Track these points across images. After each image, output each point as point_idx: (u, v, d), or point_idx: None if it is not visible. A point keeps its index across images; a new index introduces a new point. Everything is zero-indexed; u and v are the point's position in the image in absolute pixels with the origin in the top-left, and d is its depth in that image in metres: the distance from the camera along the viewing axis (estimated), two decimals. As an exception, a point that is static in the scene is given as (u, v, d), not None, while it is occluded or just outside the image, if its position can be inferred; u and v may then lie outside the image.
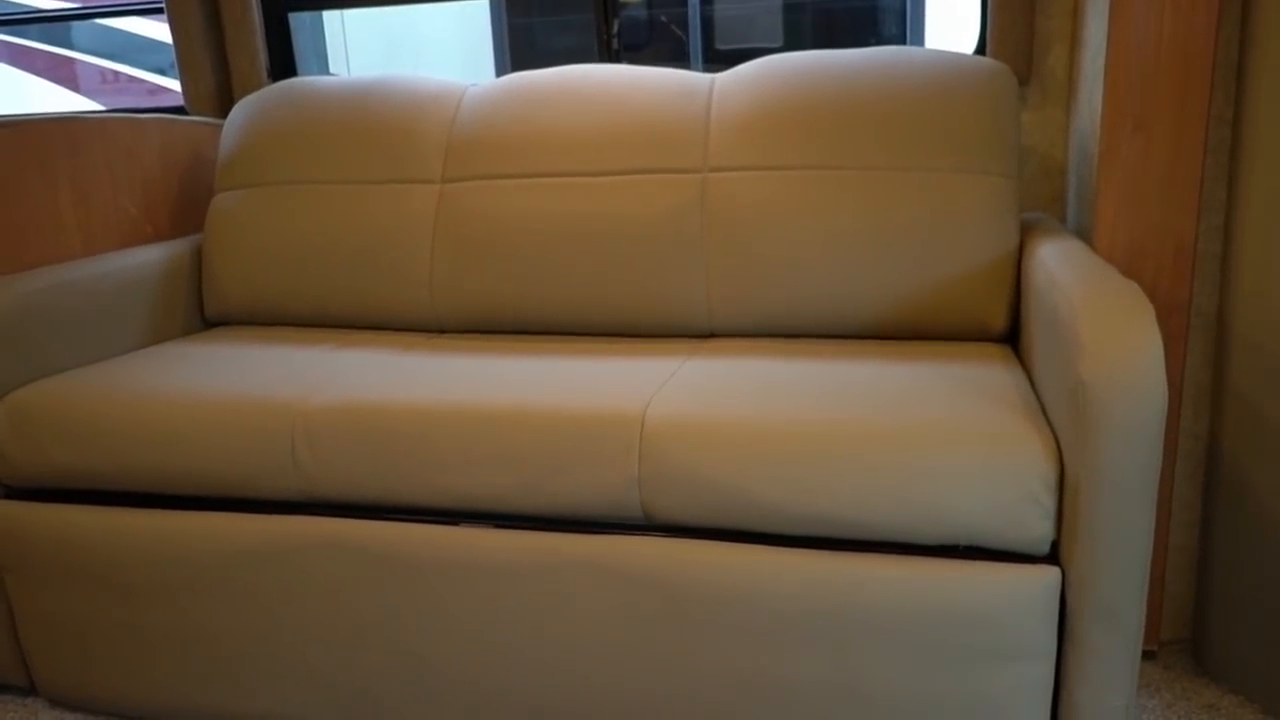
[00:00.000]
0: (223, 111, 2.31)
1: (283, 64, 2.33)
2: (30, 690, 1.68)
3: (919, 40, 4.17)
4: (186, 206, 2.11)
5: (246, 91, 2.28)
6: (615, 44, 2.14)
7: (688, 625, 1.29)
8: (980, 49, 1.96)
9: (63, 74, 5.95)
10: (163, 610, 1.50)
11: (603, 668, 1.35)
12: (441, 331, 1.85)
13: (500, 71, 4.07)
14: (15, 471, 1.53)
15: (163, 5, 2.24)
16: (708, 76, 1.85)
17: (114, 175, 1.93)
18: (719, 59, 5.00)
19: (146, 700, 1.56)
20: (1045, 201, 1.91)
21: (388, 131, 1.90)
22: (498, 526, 1.37)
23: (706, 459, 1.25)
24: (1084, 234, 1.66)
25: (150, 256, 1.89)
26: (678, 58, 5.05)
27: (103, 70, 5.97)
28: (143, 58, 5.82)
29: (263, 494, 1.45)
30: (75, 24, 5.77)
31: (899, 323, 1.64)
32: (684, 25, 5.23)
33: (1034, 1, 1.82)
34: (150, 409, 1.47)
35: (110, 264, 1.79)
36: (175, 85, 5.73)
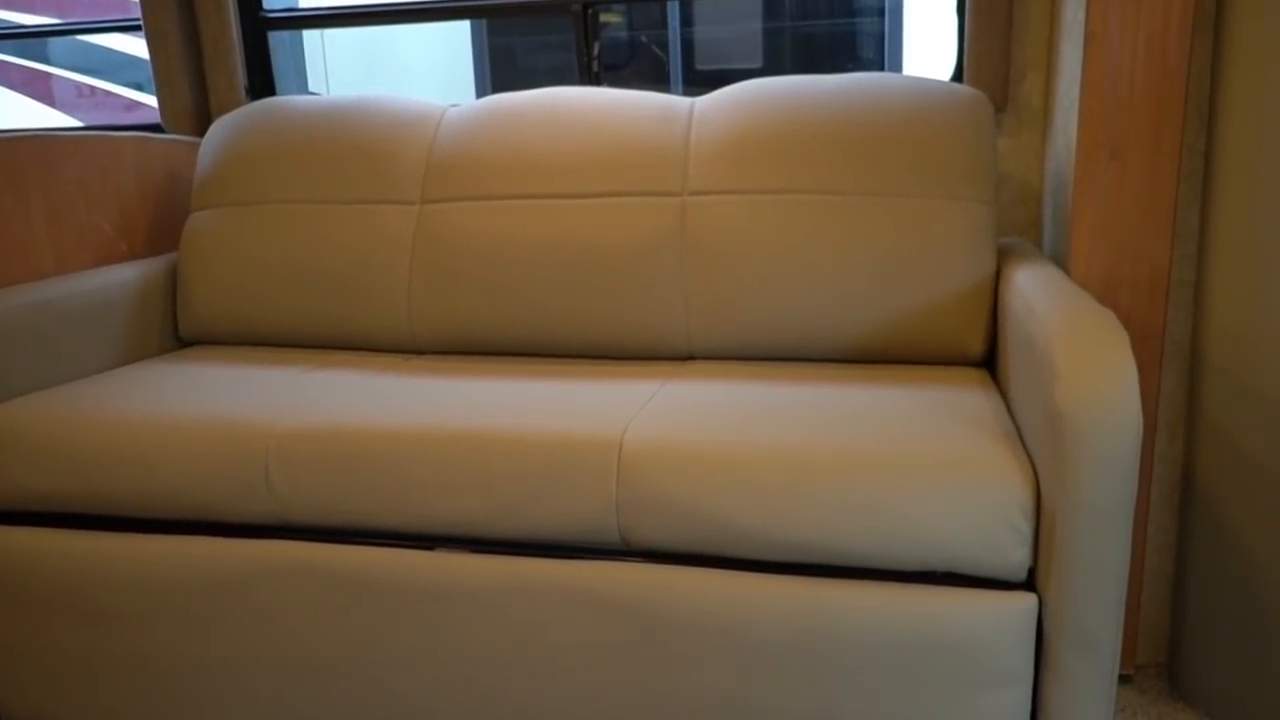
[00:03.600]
0: (200, 130, 2.29)
1: (262, 82, 2.32)
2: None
3: (896, 66, 4.22)
4: (162, 225, 2.09)
5: (224, 110, 2.27)
6: (595, 65, 2.15)
7: (666, 652, 1.28)
8: (957, 76, 1.98)
9: (38, 89, 5.90)
10: (131, 635, 1.48)
11: (580, 696, 1.33)
12: (418, 353, 1.84)
13: (481, 92, 4.08)
14: (-18, 494, 1.51)
15: (140, 23, 2.23)
16: (687, 100, 1.85)
17: (88, 193, 1.91)
18: (699, 80, 5.02)
19: (114, 728, 1.53)
20: (1022, 227, 1.93)
21: (366, 152, 1.89)
22: (474, 551, 1.35)
23: (685, 484, 1.25)
24: (1060, 259, 1.67)
25: (124, 275, 1.87)
26: (658, 78, 5.08)
27: (79, 85, 5.93)
28: (120, 73, 5.79)
29: (235, 518, 1.43)
30: (52, 39, 5.73)
31: (877, 347, 1.64)
32: (664, 46, 5.26)
33: (1009, 30, 1.84)
34: (121, 431, 1.45)
35: (83, 283, 1.77)
36: (152, 101, 5.71)
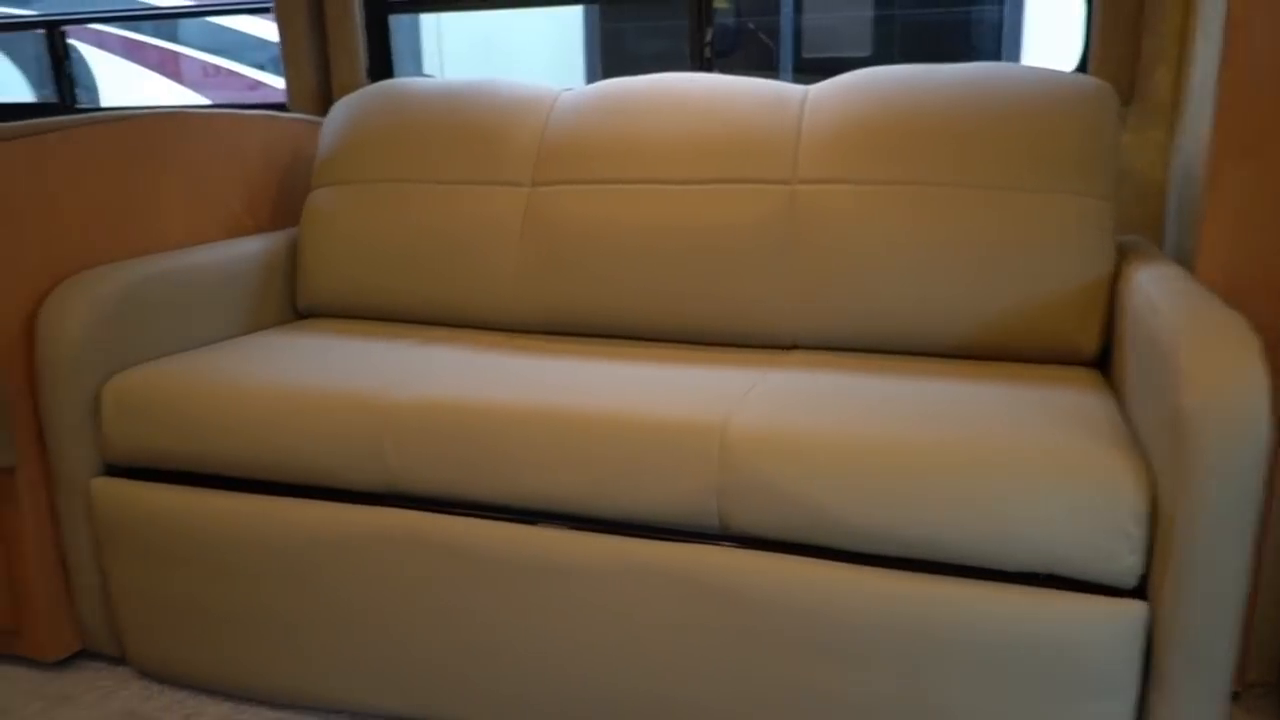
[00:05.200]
0: (322, 109, 2.37)
1: (381, 64, 2.38)
2: (121, 660, 1.75)
3: (1015, 56, 4.10)
4: (285, 200, 2.18)
5: (345, 90, 2.35)
6: (708, 52, 2.15)
7: (759, 638, 1.29)
8: (1081, 67, 1.91)
9: (169, 67, 6.18)
10: (247, 591, 1.55)
11: (670, 676, 1.35)
12: (523, 332, 1.88)
13: (591, 75, 4.11)
14: (117, 450, 1.60)
15: (271, 5, 2.32)
16: (800, 88, 1.84)
17: (218, 168, 2.00)
18: (806, 67, 4.97)
19: (227, 676, 1.61)
20: (1142, 225, 1.86)
21: (480, 134, 1.94)
22: (574, 528, 1.38)
23: (787, 471, 1.25)
24: (1184, 260, 1.61)
25: (249, 248, 1.96)
26: (764, 65, 5.04)
27: (205, 64, 6.19)
28: (245, 54, 6.02)
29: (348, 484, 1.49)
30: (183, 20, 6.00)
31: (985, 343, 1.61)
32: (771, 33, 5.22)
33: (1140, 20, 1.77)
34: (245, 398, 1.52)
35: (212, 254, 1.86)
36: (273, 80, 5.93)
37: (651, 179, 1.77)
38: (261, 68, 6.03)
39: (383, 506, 1.47)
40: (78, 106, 2.75)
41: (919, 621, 1.21)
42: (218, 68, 6.18)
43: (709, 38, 2.16)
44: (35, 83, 5.69)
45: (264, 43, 5.88)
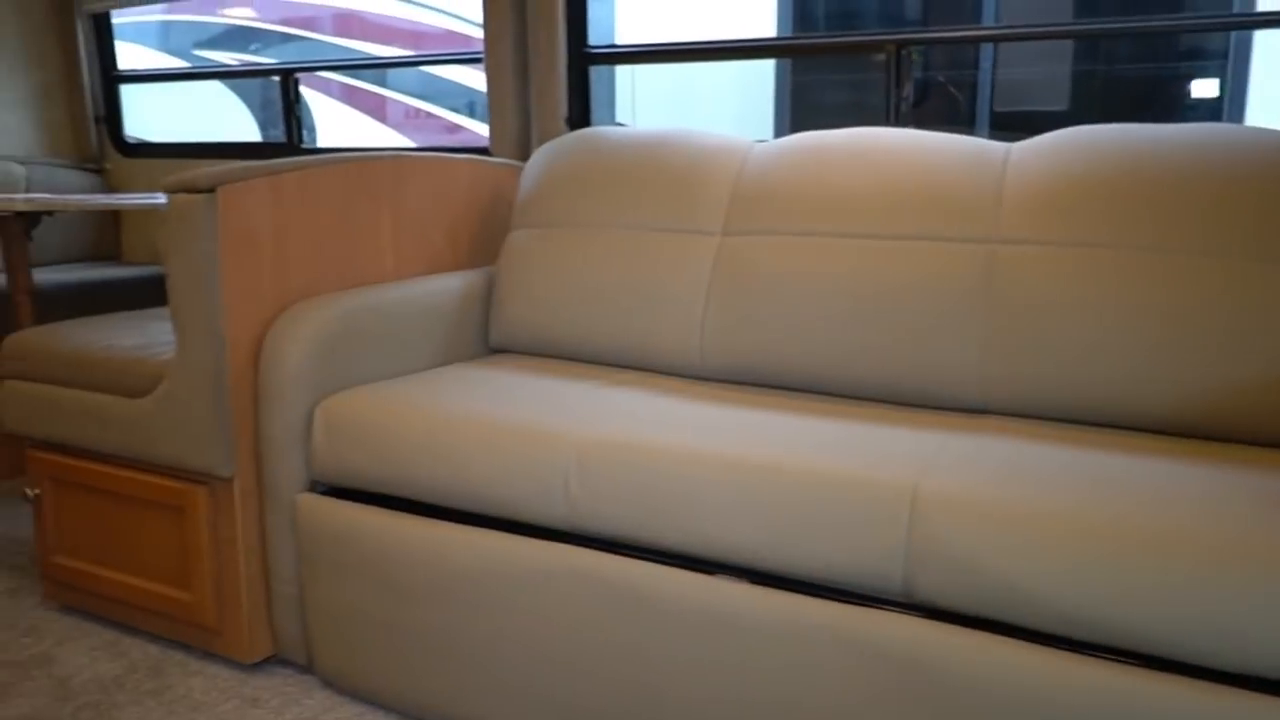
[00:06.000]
0: (523, 154, 2.48)
1: (580, 112, 2.48)
2: (308, 669, 1.85)
3: (1238, 116, 3.85)
4: (484, 239, 2.28)
5: (546, 137, 2.45)
6: (904, 106, 2.12)
7: (938, 715, 1.24)
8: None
9: (377, 110, 6.62)
10: (430, 614, 1.61)
11: (845, 742, 1.31)
12: (707, 379, 1.89)
13: (780, 127, 4.14)
14: (323, 469, 1.70)
15: (481, 57, 2.45)
16: (1002, 145, 1.79)
17: (426, 207, 2.12)
18: (1000, 121, 4.83)
19: (405, 694, 1.68)
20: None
21: (673, 182, 1.98)
22: (753, 583, 1.37)
23: (982, 542, 1.20)
24: None
25: (450, 284, 2.06)
26: (954, 117, 4.94)
27: (408, 108, 6.60)
28: (445, 98, 6.38)
29: (532, 518, 1.53)
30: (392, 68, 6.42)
31: (1201, 421, 1.50)
32: (960, 85, 5.11)
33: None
34: (439, 426, 1.59)
35: (417, 288, 1.97)
36: (468, 123, 6.26)
37: (845, 232, 1.76)
38: (457, 110, 6.37)
39: (563, 544, 1.50)
40: (303, 146, 2.98)
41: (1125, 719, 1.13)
42: (419, 110, 6.58)
43: (906, 92, 2.14)
44: (260, 123, 6.21)
45: (463, 89, 6.21)
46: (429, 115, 6.56)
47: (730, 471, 1.37)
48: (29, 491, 2.01)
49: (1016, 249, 1.65)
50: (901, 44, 2.08)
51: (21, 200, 2.11)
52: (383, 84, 6.57)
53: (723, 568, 1.40)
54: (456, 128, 6.32)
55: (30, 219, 2.19)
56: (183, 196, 1.65)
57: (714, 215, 1.92)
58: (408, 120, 6.66)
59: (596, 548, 1.48)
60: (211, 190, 1.64)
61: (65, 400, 1.88)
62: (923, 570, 1.24)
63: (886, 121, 2.15)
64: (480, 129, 6.10)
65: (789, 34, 4.35)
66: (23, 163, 3.10)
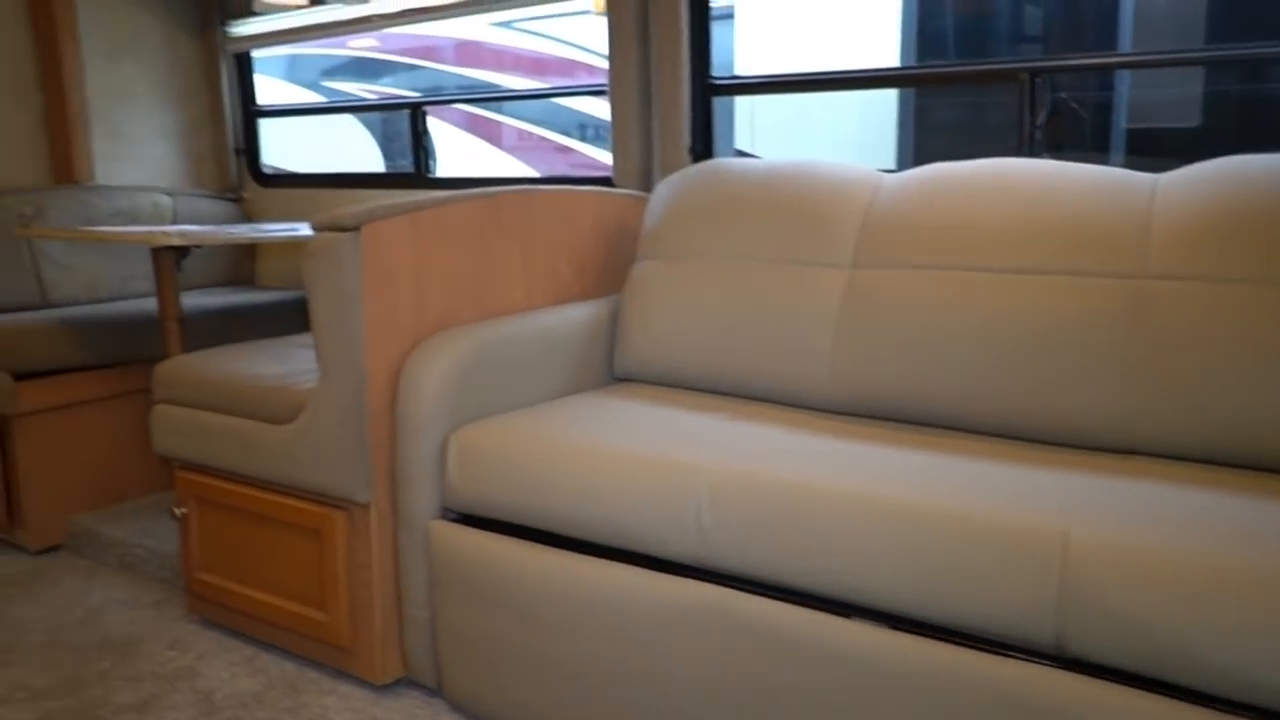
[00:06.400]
0: (644, 184, 2.50)
1: (703, 143, 2.48)
2: (436, 692, 1.89)
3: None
4: (608, 269, 2.31)
5: (668, 167, 2.46)
6: (1038, 135, 2.06)
7: (1093, 774, 1.18)
8: None
9: (492, 134, 6.78)
10: (558, 643, 1.63)
11: (989, 798, 1.26)
12: (834, 413, 1.86)
13: (903, 156, 4.09)
14: (456, 497, 1.74)
15: (606, 89, 2.49)
16: (1148, 176, 1.72)
17: (554, 238, 2.15)
18: (1131, 140, 4.67)
19: (533, 723, 1.69)
20: None
21: (801, 215, 1.96)
22: (891, 627, 1.34)
23: (1143, 596, 1.15)
24: None
25: (576, 314, 2.08)
26: (1080, 136, 4.79)
27: (520, 131, 6.74)
28: (555, 122, 6.50)
29: (661, 552, 1.52)
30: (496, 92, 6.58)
31: (1375, 469, 1.41)
32: (1085, 104, 4.95)
33: None
34: (572, 458, 1.61)
35: (545, 319, 2.00)
36: (578, 145, 6.37)
37: (983, 266, 1.72)
38: (568, 134, 6.48)
39: (693, 579, 1.50)
40: (429, 176, 3.08)
41: (1297, 788, 1.06)
42: (530, 134, 6.72)
43: (1040, 119, 2.08)
44: (384, 150, 6.43)
45: (573, 113, 6.32)
46: (541, 139, 6.69)
47: (868, 512, 1.34)
48: (176, 510, 2.11)
49: (1166, 284, 1.58)
50: (1035, 71, 2.03)
51: (177, 235, 2.22)
52: (498, 110, 6.73)
53: (856, 609, 1.38)
54: (567, 150, 6.43)
55: (181, 251, 2.31)
56: (328, 234, 1.71)
57: (843, 248, 1.90)
58: (520, 143, 6.81)
59: (728, 584, 1.47)
60: (356, 228, 1.70)
61: (212, 425, 1.97)
62: (1076, 623, 1.19)
63: (1019, 150, 2.09)
64: (590, 151, 6.19)
65: (912, 56, 4.28)
66: (169, 194, 3.28)
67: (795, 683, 1.40)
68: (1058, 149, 2.08)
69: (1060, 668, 1.23)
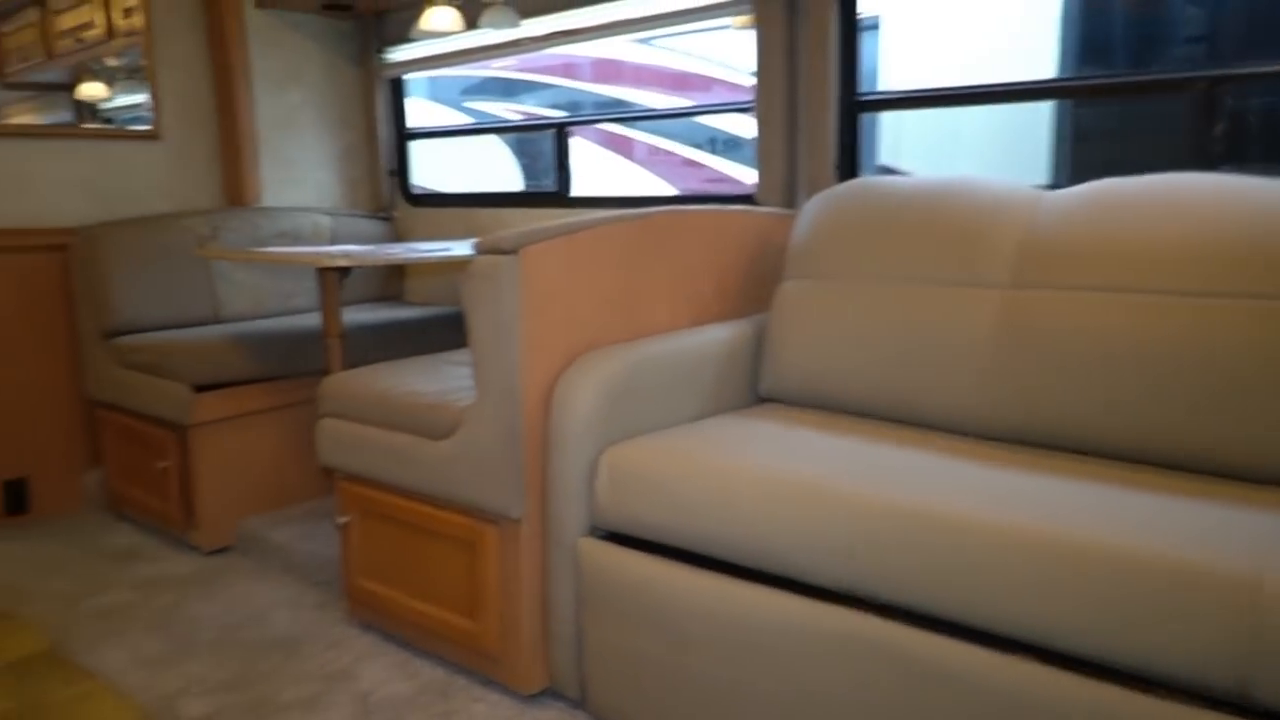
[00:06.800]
0: (788, 201, 2.49)
1: (850, 160, 2.45)
2: (580, 704, 1.91)
3: None
4: (751, 288, 2.30)
5: (814, 184, 2.44)
6: (1217, 147, 1.95)
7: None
8: None
9: (625, 149, 6.88)
10: (702, 664, 1.63)
11: None
12: (986, 438, 1.80)
13: (1058, 170, 3.93)
14: (604, 515, 1.77)
15: (752, 107, 2.49)
16: (1340, 189, 1.61)
17: (698, 258, 2.16)
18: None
19: (679, 743, 1.70)
20: None
21: (954, 233, 1.91)
22: (1053, 665, 1.29)
23: (1344, 651, 1.07)
24: None
25: (719, 334, 2.09)
26: (1260, 147, 4.50)
27: (650, 146, 6.81)
28: (686, 136, 6.54)
29: (812, 578, 1.51)
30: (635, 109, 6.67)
31: None
32: (1269, 111, 4.66)
33: None
34: (721, 480, 1.61)
35: (690, 339, 2.01)
36: (706, 158, 6.39)
37: (1154, 288, 1.64)
38: (699, 147, 6.51)
39: (843, 607, 1.48)
40: (571, 195, 3.14)
41: None
42: (659, 148, 6.78)
43: (1218, 131, 1.97)
44: (523, 167, 6.59)
45: (702, 127, 6.34)
46: (670, 153, 6.74)
47: (1033, 547, 1.30)
48: (338, 519, 2.21)
49: (1363, 308, 1.47)
50: (1215, 81, 1.92)
51: (341, 256, 2.34)
52: (631, 125, 6.82)
53: (1017, 645, 1.33)
54: (697, 164, 6.46)
55: (344, 270, 2.42)
56: (489, 257, 1.77)
57: (999, 267, 1.84)
58: (651, 158, 6.88)
59: (880, 613, 1.45)
60: (515, 251, 1.75)
61: (373, 439, 2.06)
62: (1267, 672, 1.12)
63: (1195, 165, 1.98)
64: (719, 165, 6.21)
65: (1071, 65, 4.11)
66: (329, 214, 3.45)
67: (948, 716, 1.36)
68: (1239, 161, 1.96)
69: (1239, 715, 1.16)
